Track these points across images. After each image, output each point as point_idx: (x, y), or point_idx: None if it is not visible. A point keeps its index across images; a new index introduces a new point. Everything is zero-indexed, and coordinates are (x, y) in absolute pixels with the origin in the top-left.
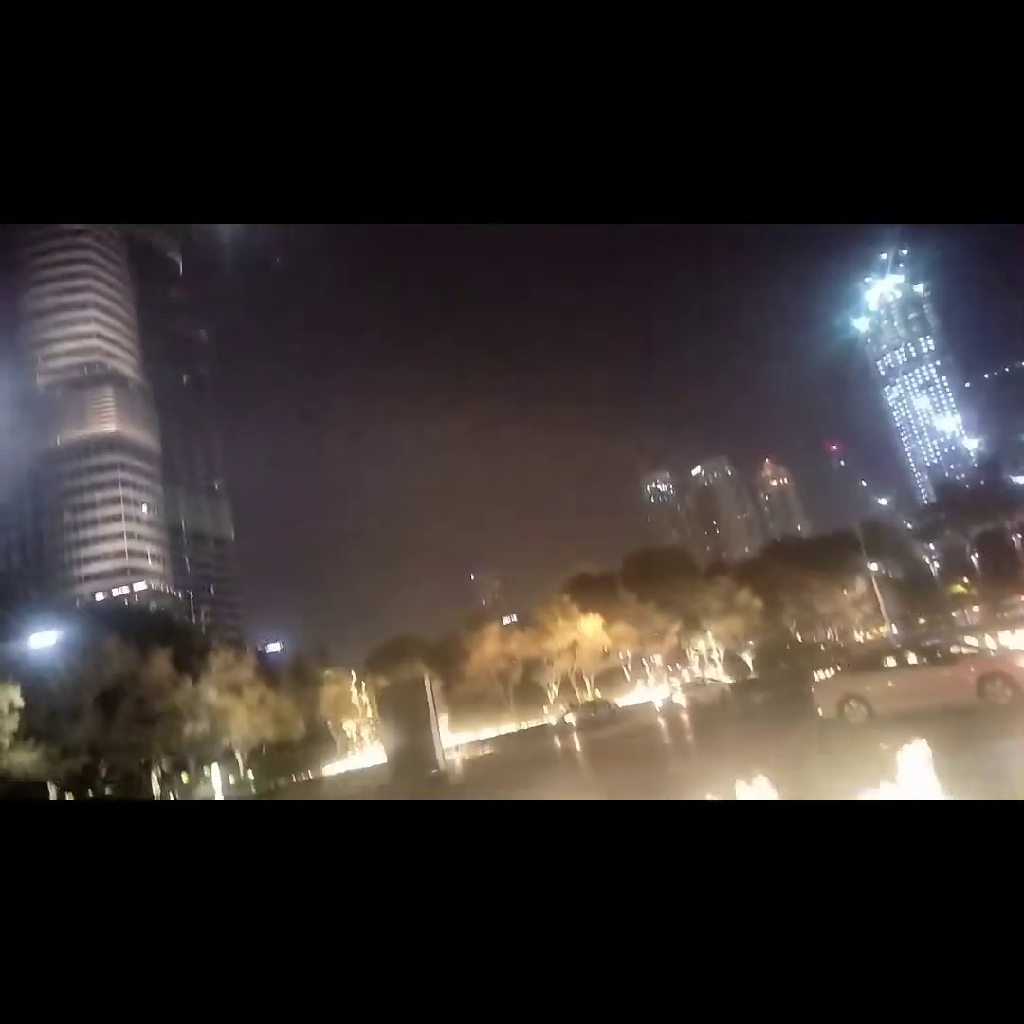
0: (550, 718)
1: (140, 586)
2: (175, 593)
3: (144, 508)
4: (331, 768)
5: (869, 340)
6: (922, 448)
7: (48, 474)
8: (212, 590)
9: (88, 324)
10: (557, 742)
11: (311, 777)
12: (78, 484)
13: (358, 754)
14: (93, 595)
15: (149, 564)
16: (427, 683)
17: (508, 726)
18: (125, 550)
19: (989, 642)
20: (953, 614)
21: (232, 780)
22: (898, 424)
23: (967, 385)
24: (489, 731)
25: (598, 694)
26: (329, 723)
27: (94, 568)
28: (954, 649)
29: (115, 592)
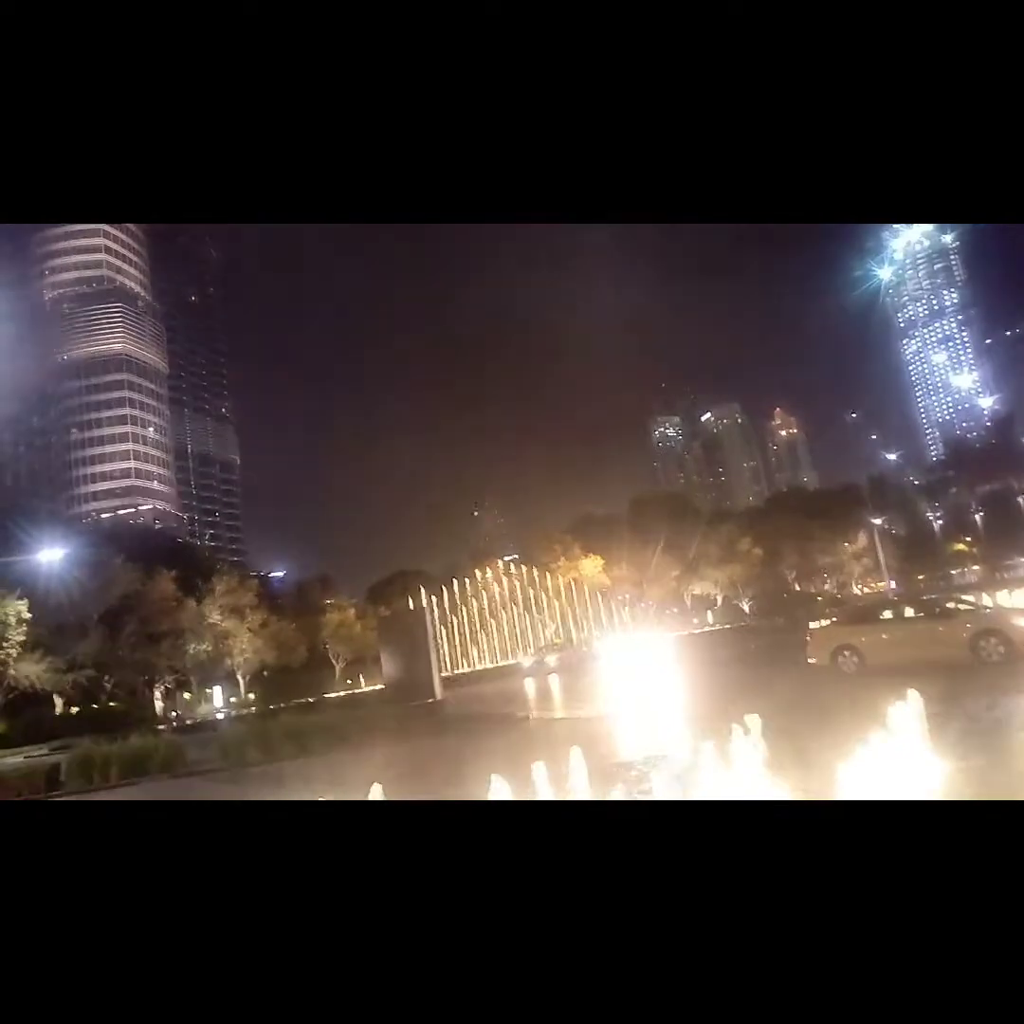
0: (524, 659)
1: (145, 507)
2: (180, 515)
3: (151, 429)
4: (331, 695)
5: (891, 291)
6: (935, 404)
7: (54, 390)
8: (217, 515)
9: (95, 237)
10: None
11: (311, 700)
12: (84, 401)
13: (356, 681)
14: (99, 513)
15: (155, 485)
16: (427, 614)
17: (481, 664)
18: (132, 469)
19: (986, 600)
20: (952, 572)
21: (233, 700)
22: (913, 379)
23: (987, 342)
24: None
25: (597, 634)
26: (329, 650)
27: (100, 487)
28: (950, 605)
29: (121, 511)
